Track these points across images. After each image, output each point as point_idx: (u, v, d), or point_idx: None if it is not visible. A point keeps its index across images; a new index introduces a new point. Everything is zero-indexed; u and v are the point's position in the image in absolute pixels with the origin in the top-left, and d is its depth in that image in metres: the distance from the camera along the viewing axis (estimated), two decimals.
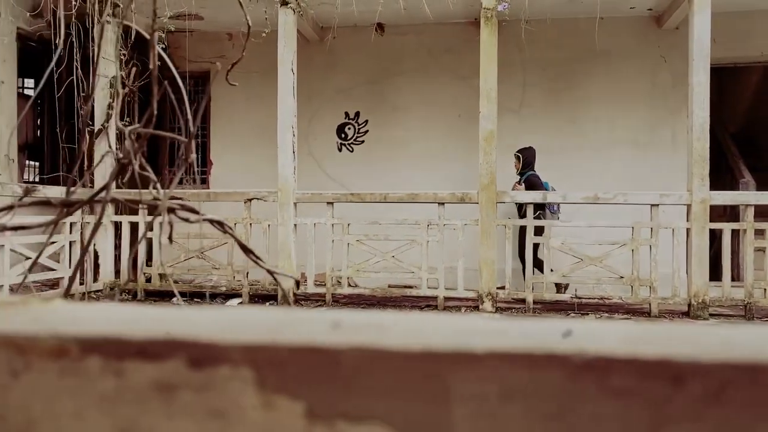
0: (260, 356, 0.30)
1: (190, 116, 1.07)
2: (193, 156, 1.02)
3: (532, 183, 6.68)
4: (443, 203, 6.25)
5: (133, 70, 6.56)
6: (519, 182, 6.88)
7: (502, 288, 6.23)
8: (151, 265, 6.62)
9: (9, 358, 0.31)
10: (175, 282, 6.72)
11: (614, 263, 6.10)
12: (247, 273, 6.50)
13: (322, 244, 6.36)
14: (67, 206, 0.97)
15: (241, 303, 6.40)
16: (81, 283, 6.14)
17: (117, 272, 6.64)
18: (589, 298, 6.16)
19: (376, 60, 7.58)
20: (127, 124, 6.65)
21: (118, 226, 6.57)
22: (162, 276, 6.53)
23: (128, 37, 6.43)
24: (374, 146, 7.45)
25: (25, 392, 0.31)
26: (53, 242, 5.93)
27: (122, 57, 6.42)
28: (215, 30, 7.41)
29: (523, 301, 6.23)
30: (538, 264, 6.44)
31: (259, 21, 6.41)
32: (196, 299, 6.54)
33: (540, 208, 6.45)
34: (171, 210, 1.02)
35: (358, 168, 7.59)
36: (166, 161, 7.48)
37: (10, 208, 0.96)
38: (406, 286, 6.60)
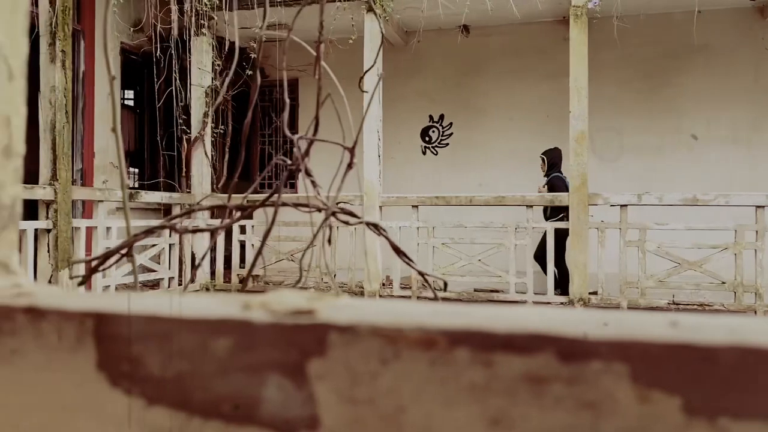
0: (633, 352, 0.31)
1: (351, 123, 1.10)
2: (356, 162, 1.06)
3: (553, 185, 6.49)
4: (531, 206, 6.14)
5: (227, 80, 6.83)
6: (543, 185, 6.67)
7: (594, 293, 6.05)
8: (244, 267, 6.86)
9: (380, 347, 0.33)
10: (266, 284, 6.92)
11: (714, 268, 5.80)
12: (334, 275, 6.61)
13: (407, 248, 6.37)
14: (242, 210, 1.03)
15: None
16: (179, 284, 6.43)
17: (212, 273, 6.92)
18: (687, 304, 5.89)
19: (460, 62, 7.55)
20: (222, 131, 6.93)
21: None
22: (255, 277, 6.75)
23: (222, 48, 6.70)
24: (459, 149, 7.41)
25: (395, 379, 0.33)
26: (154, 245, 6.25)
27: (216, 67, 6.69)
28: (305, 39, 7.58)
29: (617, 307, 6.02)
30: (563, 270, 6.21)
31: (346, 28, 6.53)
32: None
33: (563, 211, 6.19)
34: (333, 213, 1.06)
35: (442, 171, 7.57)
36: (256, 166, 7.72)
37: (189, 212, 1.02)
38: (492, 291, 6.53)
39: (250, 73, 6.63)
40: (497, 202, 6.26)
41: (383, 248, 6.51)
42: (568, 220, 6.09)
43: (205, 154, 6.66)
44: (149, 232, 1.02)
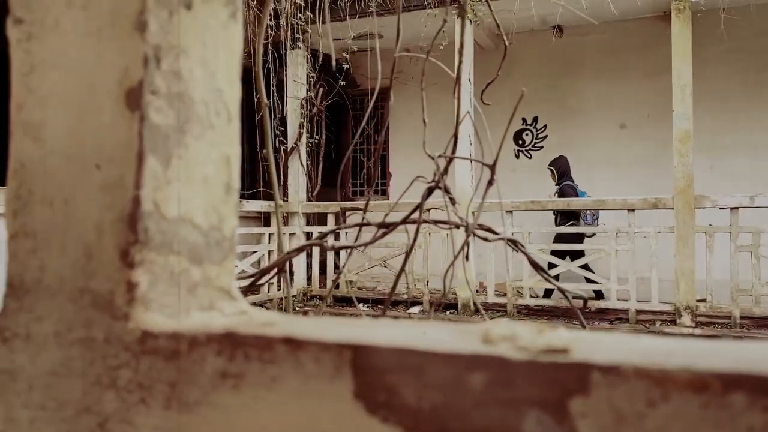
0: None
1: (490, 140, 1.11)
2: (496, 178, 1.06)
3: (564, 193, 6.50)
4: (633, 209, 5.89)
5: (320, 90, 7.02)
6: (554, 193, 6.67)
7: (703, 301, 5.73)
8: (338, 273, 7.01)
9: (646, 389, 0.34)
10: (359, 289, 7.03)
11: None
12: (427, 281, 6.62)
13: (501, 253, 6.31)
14: (384, 227, 1.06)
15: (422, 311, 6.55)
16: (278, 289, 6.66)
17: (309, 279, 7.11)
18: None
19: (554, 63, 7.38)
20: (317, 142, 7.11)
21: (308, 236, 7.04)
22: (348, 283, 6.88)
23: (316, 60, 6.88)
24: (554, 152, 7.23)
25: (665, 421, 0.34)
26: (254, 251, 6.50)
27: (311, 79, 6.89)
28: (394, 47, 7.67)
29: (728, 316, 5.67)
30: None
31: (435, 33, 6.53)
32: (378, 306, 6.80)
33: (574, 217, 6.31)
34: (469, 229, 1.07)
35: (536, 175, 7.42)
36: (348, 175, 7.87)
37: (337, 230, 1.06)
38: (591, 299, 6.33)
39: (343, 83, 6.78)
40: (596, 206, 6.06)
41: (476, 254, 6.46)
42: (578, 226, 6.22)
43: (301, 163, 6.86)
44: (300, 249, 1.07)
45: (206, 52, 0.54)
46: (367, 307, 6.78)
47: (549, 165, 6.80)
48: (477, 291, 6.59)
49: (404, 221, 1.07)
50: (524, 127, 7.60)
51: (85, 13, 0.50)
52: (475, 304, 6.36)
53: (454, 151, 1.08)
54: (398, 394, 0.39)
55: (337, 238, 6.92)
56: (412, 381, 0.39)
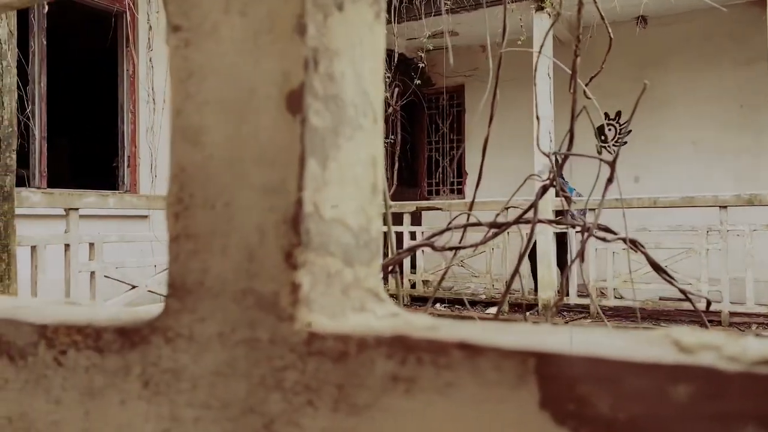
0: None
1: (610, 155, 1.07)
2: (616, 176, 1.02)
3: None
4: (725, 206, 5.59)
5: (396, 90, 7.04)
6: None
7: None
8: (415, 272, 7.00)
9: None
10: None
11: None
12: (506, 281, 6.51)
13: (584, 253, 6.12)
14: (495, 227, 1.04)
15: (499, 311, 6.45)
16: None
17: (385, 278, 7.14)
18: None
19: (637, 55, 7.10)
20: (392, 141, 7.14)
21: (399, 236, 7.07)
22: (425, 282, 6.86)
23: (392, 60, 6.91)
24: (638, 147, 6.96)
25: None
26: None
27: (386, 79, 6.92)
28: (469, 44, 7.60)
29: None
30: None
31: (514, 29, 6.42)
32: (456, 306, 6.75)
33: (559, 214, 6.20)
34: (588, 229, 1.03)
35: (620, 171, 7.12)
36: (423, 173, 7.85)
37: (447, 230, 1.05)
38: (680, 299, 6.04)
39: (418, 82, 6.77)
40: (685, 203, 5.78)
41: (556, 254, 6.30)
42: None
43: None
44: (410, 250, 1.06)
45: (355, 54, 0.54)
46: (444, 307, 6.75)
47: None
48: (558, 292, 6.42)
49: (517, 221, 1.04)
50: (607, 122, 7.35)
51: (243, 18, 0.51)
52: (556, 305, 6.21)
53: (569, 148, 1.04)
54: (590, 405, 0.37)
55: (413, 237, 6.92)
56: (605, 391, 0.37)
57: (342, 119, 0.52)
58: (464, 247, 1.00)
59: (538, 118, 1.13)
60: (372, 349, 0.44)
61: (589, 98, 1.53)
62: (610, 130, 7.38)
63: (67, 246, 4.55)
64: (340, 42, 0.52)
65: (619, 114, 7.32)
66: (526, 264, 6.62)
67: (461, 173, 8.08)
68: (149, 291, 4.97)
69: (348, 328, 0.47)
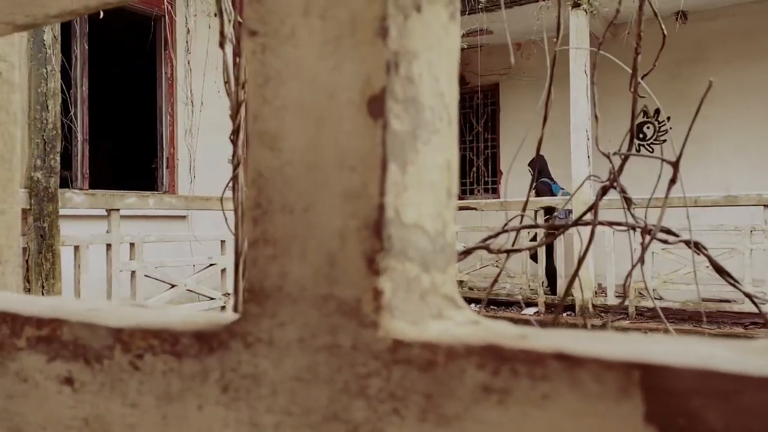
0: None
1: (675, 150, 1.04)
2: (679, 176, 0.99)
3: (538, 190, 6.88)
4: None
5: None
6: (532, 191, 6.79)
7: None
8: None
9: None
10: (470, 289, 6.96)
11: None
12: (543, 282, 6.44)
13: (621, 253, 6.00)
14: (553, 230, 1.02)
15: (536, 312, 6.37)
16: None
17: None
18: None
19: (676, 51, 6.94)
20: None
21: None
22: (460, 282, 6.82)
23: None
24: (677, 145, 6.81)
25: None
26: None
27: None
28: (504, 42, 7.54)
29: None
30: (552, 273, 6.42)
31: (550, 26, 6.33)
32: (491, 307, 6.69)
33: (548, 213, 6.51)
34: (649, 231, 1.01)
35: (659, 170, 7.01)
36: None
37: (497, 234, 1.03)
38: (722, 301, 5.89)
39: None
40: (728, 202, 5.63)
41: (595, 254, 6.20)
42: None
43: None
44: (466, 253, 1.05)
45: (431, 55, 0.53)
46: (479, 307, 6.70)
47: (528, 164, 7.07)
48: (595, 292, 6.32)
49: (576, 223, 1.02)
50: (645, 120, 7.21)
51: (322, 22, 0.50)
52: (594, 306, 6.11)
53: (630, 148, 1.02)
54: (702, 420, 0.35)
55: None
56: (718, 405, 0.35)
57: (419, 123, 0.51)
58: (519, 250, 0.98)
59: (596, 117, 1.11)
60: (462, 358, 0.43)
61: (643, 97, 1.49)
62: (648, 128, 7.23)
63: (108, 246, 4.65)
64: (417, 44, 0.51)
65: (657, 112, 7.17)
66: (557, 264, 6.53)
67: (496, 172, 8.01)
68: (188, 290, 5.05)
69: (432, 335, 0.46)
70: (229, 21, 1.14)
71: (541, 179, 7.07)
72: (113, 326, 0.60)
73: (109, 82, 7.53)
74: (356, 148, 0.49)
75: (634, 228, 1.02)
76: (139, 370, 0.58)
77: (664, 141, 7.06)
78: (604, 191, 1.02)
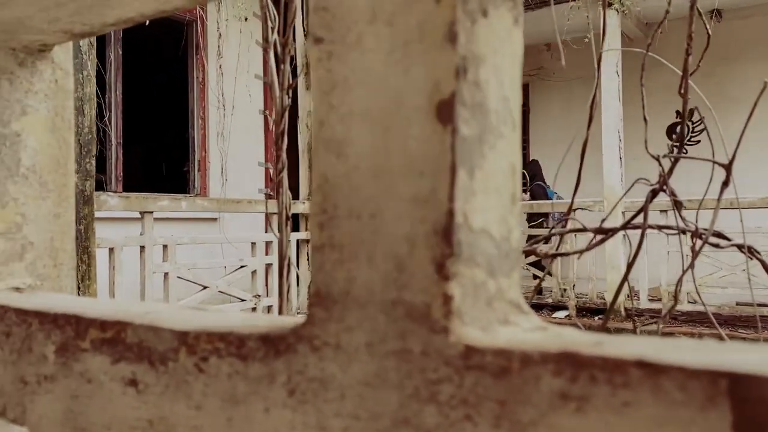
0: None
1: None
2: (732, 178, 0.97)
3: (533, 193, 7.16)
4: None
5: None
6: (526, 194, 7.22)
7: None
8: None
9: None
10: None
11: None
12: (573, 285, 6.37)
13: (655, 256, 5.91)
14: (602, 233, 1.01)
15: (567, 316, 6.30)
16: None
17: None
18: None
19: (710, 50, 6.80)
20: None
21: None
22: None
23: None
24: (714, 145, 6.67)
25: None
26: None
27: None
28: (533, 43, 7.48)
29: None
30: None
31: (580, 26, 6.27)
32: None
33: (542, 216, 6.76)
34: (701, 235, 0.99)
35: (693, 171, 6.88)
36: None
37: (551, 236, 1.03)
38: (760, 305, 5.76)
39: None
40: (765, 204, 5.51)
41: (628, 257, 6.11)
42: (546, 226, 6.40)
43: None
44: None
45: (496, 60, 0.53)
46: None
47: (522, 169, 7.39)
48: (628, 296, 6.23)
49: (625, 226, 1.01)
50: (678, 120, 7.08)
51: (390, 28, 0.51)
52: (626, 309, 6.02)
53: (680, 151, 1.00)
54: None
55: None
56: None
57: (486, 127, 0.51)
58: (568, 254, 0.97)
59: (645, 119, 1.09)
60: (538, 365, 0.43)
61: (686, 97, 1.47)
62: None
63: (142, 248, 4.72)
64: (484, 48, 0.51)
65: (692, 112, 7.04)
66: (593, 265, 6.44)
67: (525, 174, 7.96)
68: (219, 292, 5.11)
69: (504, 342, 0.46)
70: (272, 27, 1.15)
71: (537, 182, 7.24)
72: (178, 329, 0.61)
73: (142, 87, 7.67)
74: (424, 153, 0.49)
75: (684, 231, 1.01)
76: (204, 372, 0.59)
77: (698, 142, 6.94)
78: (653, 194, 1.00)
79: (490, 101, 0.52)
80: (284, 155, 1.13)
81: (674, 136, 7.06)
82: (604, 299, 6.15)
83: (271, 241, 5.55)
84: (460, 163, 0.48)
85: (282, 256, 1.09)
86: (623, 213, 6.07)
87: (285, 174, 1.17)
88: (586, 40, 6.20)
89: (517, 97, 0.56)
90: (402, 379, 0.48)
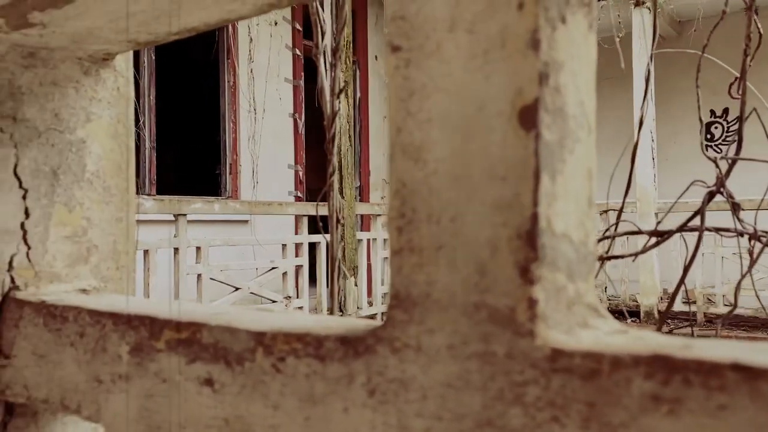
0: None
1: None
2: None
3: None
4: None
5: None
6: None
7: None
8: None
9: None
10: None
11: None
12: (605, 288, 6.29)
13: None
14: (658, 236, 1.00)
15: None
16: None
17: None
18: None
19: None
20: None
21: None
22: None
23: None
24: (749, 145, 6.55)
25: None
26: None
27: None
28: None
29: None
30: None
31: (609, 25, 6.20)
32: None
33: None
34: (759, 237, 0.98)
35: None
36: None
37: (605, 238, 1.02)
38: None
39: None
40: None
41: (660, 260, 6.02)
42: None
43: None
44: None
45: (573, 65, 0.54)
46: None
47: None
48: (661, 298, 6.14)
49: (681, 228, 1.00)
50: (713, 119, 6.96)
51: (470, 36, 0.52)
52: (659, 312, 5.93)
53: (738, 152, 0.99)
54: None
55: None
56: None
57: (565, 132, 0.52)
58: (622, 257, 0.97)
59: (701, 120, 1.08)
60: (628, 368, 0.43)
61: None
62: (716, 128, 6.98)
63: (176, 250, 4.79)
64: (563, 54, 0.52)
65: (726, 111, 6.91)
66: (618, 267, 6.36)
67: None
68: (251, 293, 5.16)
69: (589, 344, 0.46)
70: (322, 34, 1.16)
71: None
72: (254, 330, 0.63)
73: (174, 91, 7.79)
74: (506, 158, 0.50)
75: (742, 234, 1.00)
76: (281, 372, 0.61)
77: (734, 141, 6.81)
78: (710, 196, 1.00)
79: (569, 106, 0.53)
80: (335, 159, 1.15)
81: (708, 135, 6.94)
82: (637, 301, 6.06)
83: (302, 243, 5.59)
84: (543, 167, 0.49)
85: (333, 258, 1.10)
86: (656, 214, 5.99)
87: (335, 177, 1.18)
88: (619, 38, 6.14)
89: (592, 102, 0.57)
90: (485, 381, 0.49)
